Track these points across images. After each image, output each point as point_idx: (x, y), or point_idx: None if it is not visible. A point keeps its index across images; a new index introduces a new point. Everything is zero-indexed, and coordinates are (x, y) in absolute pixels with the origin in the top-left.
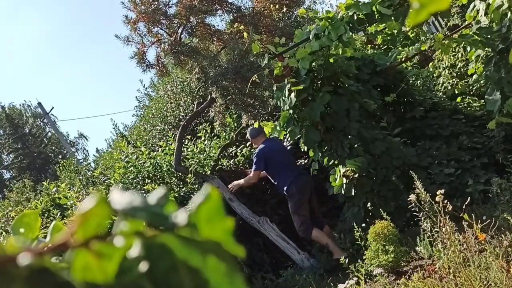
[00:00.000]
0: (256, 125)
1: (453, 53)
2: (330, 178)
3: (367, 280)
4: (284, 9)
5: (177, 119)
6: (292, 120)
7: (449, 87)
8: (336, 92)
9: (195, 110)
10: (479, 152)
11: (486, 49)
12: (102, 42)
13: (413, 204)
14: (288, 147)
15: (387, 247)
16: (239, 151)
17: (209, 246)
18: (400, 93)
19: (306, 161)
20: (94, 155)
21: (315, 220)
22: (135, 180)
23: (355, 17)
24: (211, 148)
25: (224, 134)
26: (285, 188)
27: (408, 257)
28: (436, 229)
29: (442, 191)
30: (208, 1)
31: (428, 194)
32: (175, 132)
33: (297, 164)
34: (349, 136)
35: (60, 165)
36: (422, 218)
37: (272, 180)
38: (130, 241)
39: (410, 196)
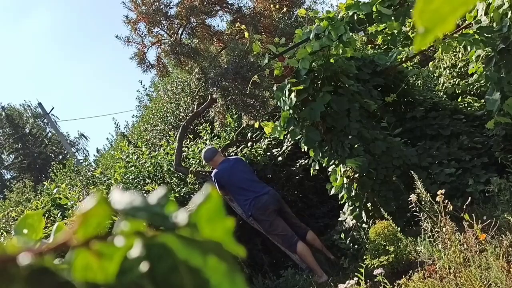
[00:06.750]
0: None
1: (454, 53)
2: (331, 178)
3: (367, 280)
4: (284, 10)
5: (177, 119)
6: (292, 120)
7: (450, 87)
8: (336, 92)
9: (195, 110)
10: (479, 151)
11: (487, 49)
12: (102, 42)
13: (413, 204)
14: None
15: (387, 247)
16: (240, 151)
17: (209, 246)
18: (400, 93)
19: (306, 161)
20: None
21: (295, 230)
22: (135, 180)
23: (355, 17)
24: None
25: (225, 134)
26: (249, 214)
27: (409, 257)
28: (436, 229)
29: (443, 191)
30: (209, 2)
31: (428, 194)
32: (175, 132)
33: (258, 182)
34: (350, 136)
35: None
36: (423, 218)
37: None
38: (130, 241)
39: (410, 196)
